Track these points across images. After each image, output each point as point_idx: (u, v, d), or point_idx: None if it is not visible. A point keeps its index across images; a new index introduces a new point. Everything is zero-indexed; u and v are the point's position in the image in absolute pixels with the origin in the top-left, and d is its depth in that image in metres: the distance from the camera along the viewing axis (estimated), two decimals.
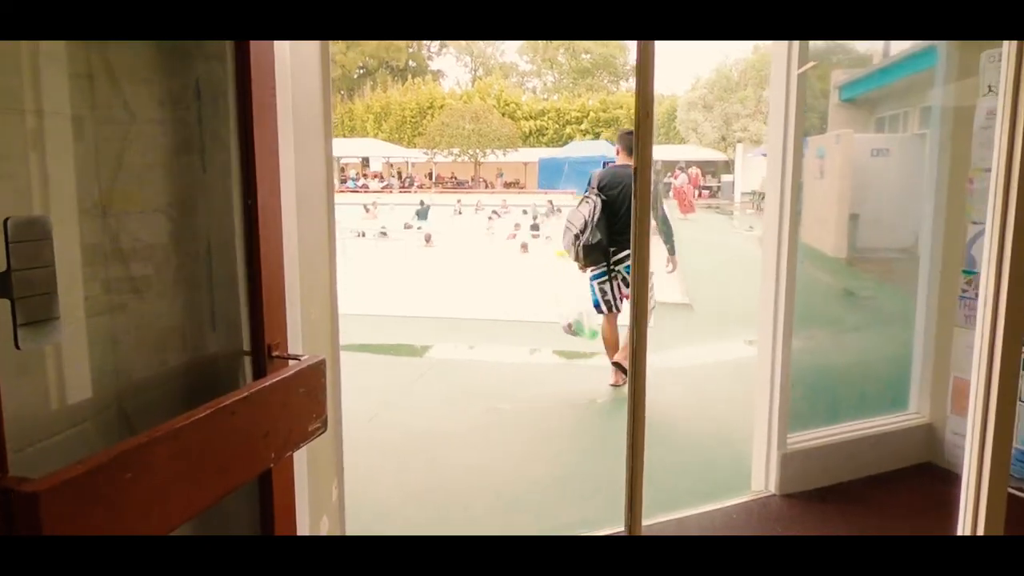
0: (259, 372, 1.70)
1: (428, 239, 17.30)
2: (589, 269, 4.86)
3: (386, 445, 4.17)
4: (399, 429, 4.41)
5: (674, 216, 16.42)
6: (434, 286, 10.13)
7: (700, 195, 28.59)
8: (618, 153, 4.94)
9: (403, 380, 5.24)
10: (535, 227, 19.45)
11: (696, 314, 7.32)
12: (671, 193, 25.01)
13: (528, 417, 4.62)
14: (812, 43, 3.03)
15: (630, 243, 2.25)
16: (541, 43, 57.16)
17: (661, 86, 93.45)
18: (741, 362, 5.80)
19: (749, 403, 4.42)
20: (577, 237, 4.66)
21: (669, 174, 35.31)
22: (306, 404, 1.67)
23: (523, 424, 4.50)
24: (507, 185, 39.66)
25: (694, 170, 30.25)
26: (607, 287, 4.80)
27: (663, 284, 8.38)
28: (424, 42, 58.05)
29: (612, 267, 4.75)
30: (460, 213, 26.25)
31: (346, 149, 40.07)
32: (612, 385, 4.98)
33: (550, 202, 26.64)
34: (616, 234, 4.64)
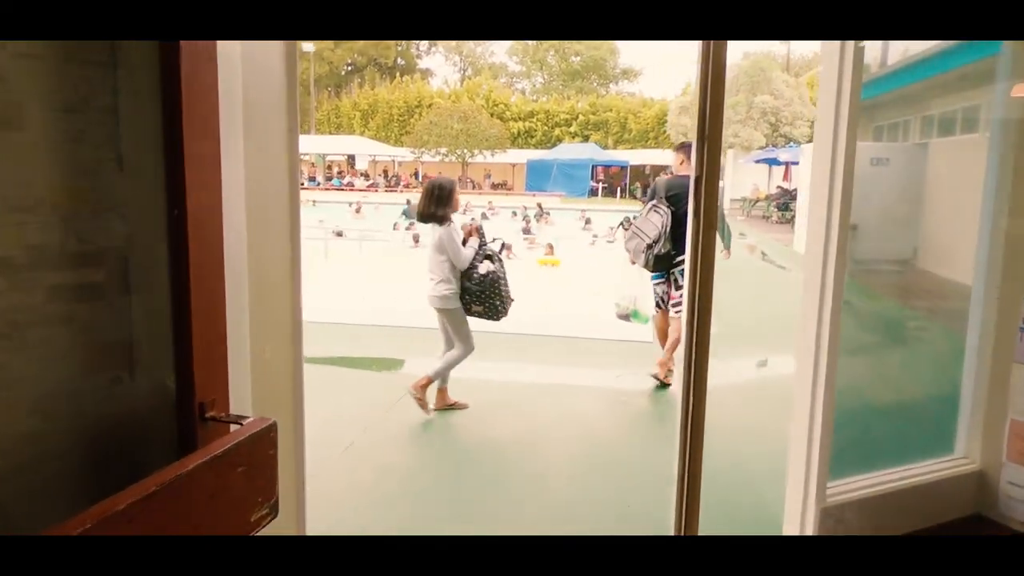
0: (187, 441, 1.26)
1: (417, 240, 16.82)
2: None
3: (363, 482, 3.72)
4: (379, 462, 3.97)
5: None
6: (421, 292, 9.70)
7: None
8: (681, 163, 4.99)
9: (384, 401, 4.79)
10: (527, 231, 18.90)
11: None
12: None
13: (531, 449, 4.19)
14: (803, 50, 2.63)
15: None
16: (532, 44, 56.81)
17: (652, 90, 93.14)
18: (752, 385, 5.41)
19: (766, 436, 4.02)
20: (650, 247, 4.84)
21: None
22: (248, 486, 1.23)
23: (525, 459, 4.07)
24: (495, 186, 39.25)
25: None
26: (660, 289, 5.15)
27: None
28: (414, 40, 57.56)
29: (671, 271, 5.01)
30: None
31: (332, 146, 39.51)
32: (659, 381, 5.12)
33: (539, 205, 26.24)
34: (677, 240, 4.81)
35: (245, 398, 1.49)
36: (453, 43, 60.82)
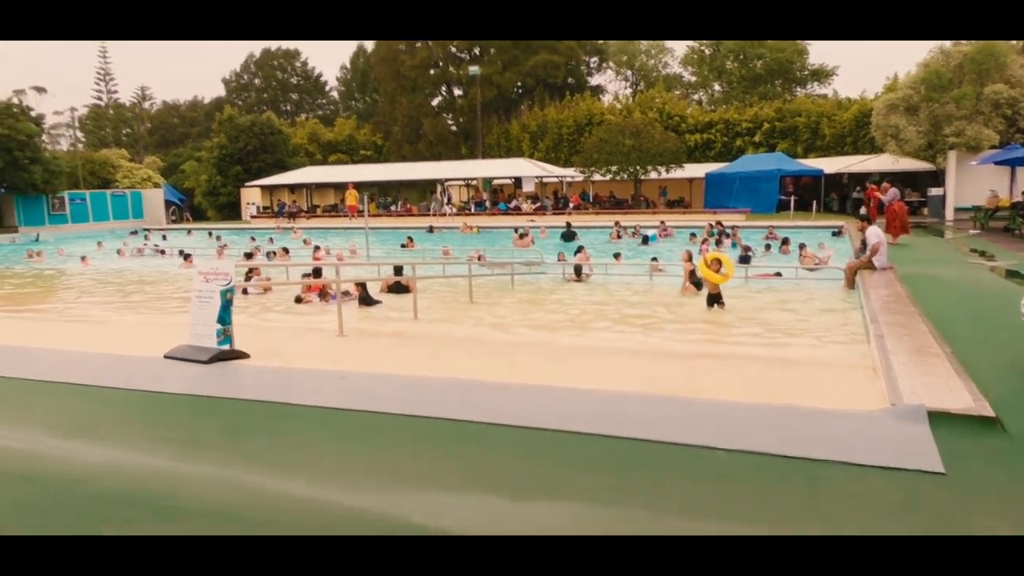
0: None
1: (578, 273, 14.75)
2: None
3: None
4: None
5: (885, 240, 12.73)
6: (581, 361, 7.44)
7: None
8: None
9: None
10: (747, 258, 15.75)
11: (1017, 440, 4.21)
12: (864, 210, 20.58)
13: None
14: None
15: None
16: (708, 51, 53.37)
17: (848, 89, 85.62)
18: None
19: None
20: None
21: (859, 188, 30.64)
22: None
23: None
24: (670, 204, 36.48)
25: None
26: None
27: (918, 376, 5.33)
28: (584, 58, 55.99)
29: None
30: (619, 237, 23.55)
31: (497, 170, 38.64)
32: None
33: (719, 223, 23.29)
34: None
35: None
36: (624, 57, 58.65)
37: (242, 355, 6.43)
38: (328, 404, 4.97)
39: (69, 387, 5.59)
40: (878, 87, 42.32)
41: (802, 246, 16.10)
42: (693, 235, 22.10)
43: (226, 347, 6.40)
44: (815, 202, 30.23)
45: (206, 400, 5.20)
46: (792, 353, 7.38)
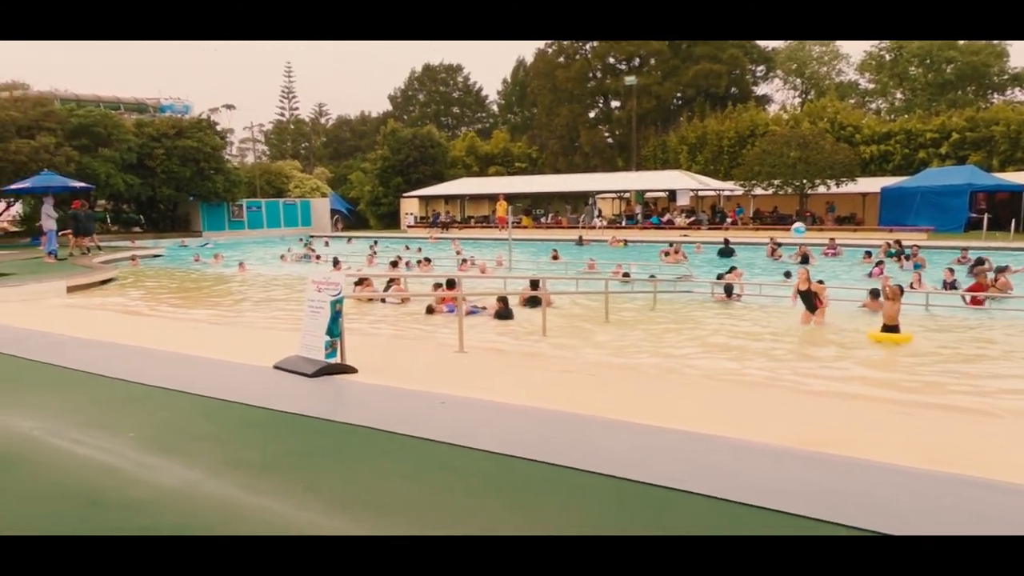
0: None
1: (729, 293, 13.59)
2: None
3: None
4: None
5: None
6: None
7: None
8: None
9: None
10: (953, 285, 13.59)
11: None
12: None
13: None
14: None
15: None
16: (888, 56, 49.25)
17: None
18: None
19: None
20: None
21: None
22: None
23: None
24: (839, 220, 33.72)
25: None
26: None
27: None
28: (749, 66, 53.50)
29: None
30: (778, 257, 21.83)
31: (652, 182, 37.46)
32: None
33: (897, 242, 21.04)
34: None
35: None
36: (793, 65, 55.43)
37: (349, 370, 6.13)
38: (419, 433, 4.48)
39: (168, 393, 5.48)
40: None
41: (1002, 269, 13.97)
42: (868, 254, 20.05)
43: (333, 360, 6.12)
44: (1014, 221, 26.73)
45: (296, 418, 4.88)
46: (981, 403, 6.08)
